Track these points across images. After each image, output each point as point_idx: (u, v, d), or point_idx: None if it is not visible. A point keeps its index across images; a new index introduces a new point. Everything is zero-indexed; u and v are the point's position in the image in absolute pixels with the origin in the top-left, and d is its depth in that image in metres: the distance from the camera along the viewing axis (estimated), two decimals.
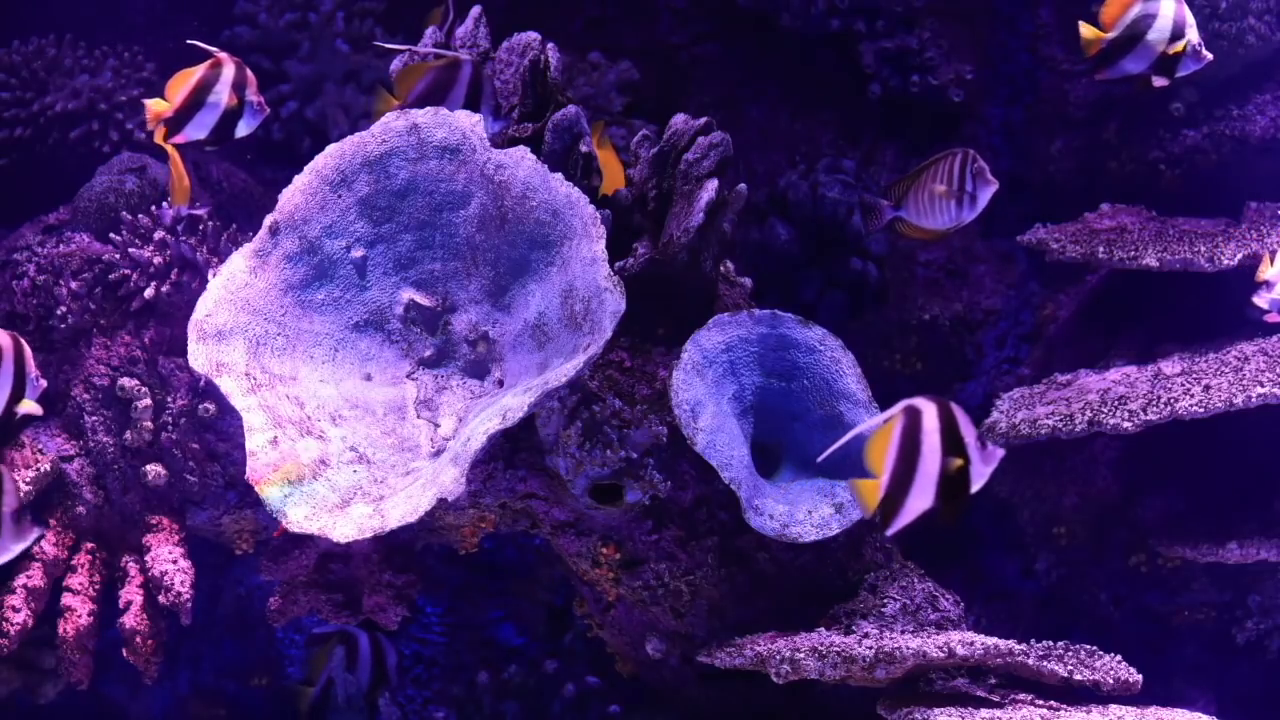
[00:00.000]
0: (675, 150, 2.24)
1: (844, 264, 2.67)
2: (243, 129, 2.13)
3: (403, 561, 2.35)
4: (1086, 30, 2.23)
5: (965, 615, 2.27)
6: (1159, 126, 2.76)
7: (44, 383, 2.09)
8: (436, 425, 2.18)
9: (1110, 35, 2.22)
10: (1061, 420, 2.34)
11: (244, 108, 2.11)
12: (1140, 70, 2.23)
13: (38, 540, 1.56)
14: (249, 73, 2.12)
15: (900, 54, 2.80)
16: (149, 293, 2.44)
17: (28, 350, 2.00)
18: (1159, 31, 2.20)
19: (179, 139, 2.10)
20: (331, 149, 2.24)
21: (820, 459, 1.81)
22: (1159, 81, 2.24)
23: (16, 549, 1.59)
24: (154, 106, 2.10)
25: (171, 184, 2.35)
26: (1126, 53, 2.21)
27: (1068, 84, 2.83)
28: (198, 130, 2.10)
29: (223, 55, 2.08)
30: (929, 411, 1.69)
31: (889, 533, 1.72)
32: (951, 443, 1.69)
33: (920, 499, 1.70)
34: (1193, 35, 2.22)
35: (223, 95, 2.08)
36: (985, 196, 2.19)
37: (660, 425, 2.14)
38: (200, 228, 2.51)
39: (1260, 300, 2.21)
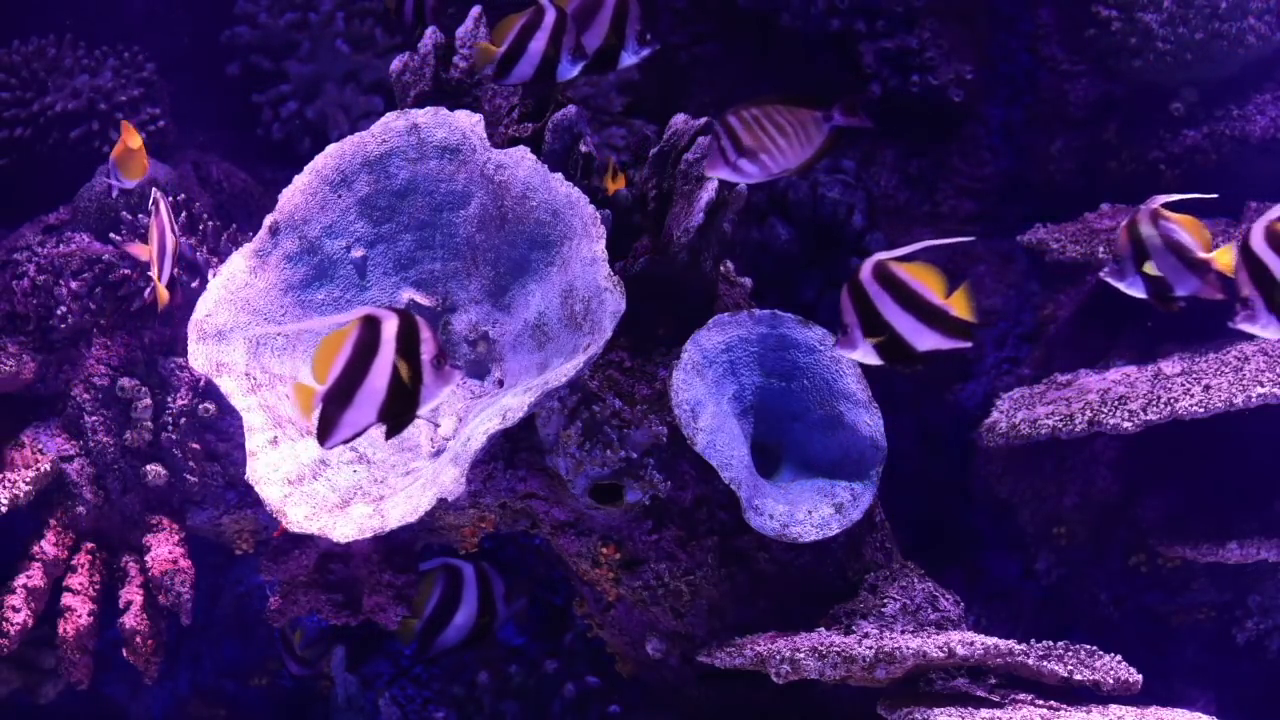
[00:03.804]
0: (675, 150, 2.24)
1: (844, 264, 2.66)
2: (562, 73, 2.14)
3: (403, 561, 2.35)
4: None
5: (965, 615, 2.27)
6: (1159, 126, 2.76)
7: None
8: (436, 425, 2.18)
9: None
10: (1061, 420, 2.34)
11: (560, 55, 2.12)
12: None
13: (451, 385, 1.66)
14: (568, 20, 2.13)
15: (900, 54, 2.80)
16: (149, 293, 2.44)
17: None
18: None
19: (508, 81, 2.13)
20: (331, 149, 2.24)
21: None
22: None
23: (443, 394, 1.66)
24: (484, 51, 2.12)
25: (124, 157, 2.35)
26: None
27: (1068, 84, 2.83)
28: (522, 73, 2.12)
29: (544, 2, 2.10)
30: None
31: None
32: None
33: None
34: None
35: (541, 42, 2.10)
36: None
37: (660, 425, 2.14)
38: (200, 228, 2.51)
39: (1248, 326, 1.88)
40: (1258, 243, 1.72)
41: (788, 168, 1.89)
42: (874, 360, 1.84)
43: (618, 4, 2.05)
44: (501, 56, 2.08)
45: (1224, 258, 1.88)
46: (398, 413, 1.67)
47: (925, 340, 1.80)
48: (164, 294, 2.27)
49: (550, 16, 2.08)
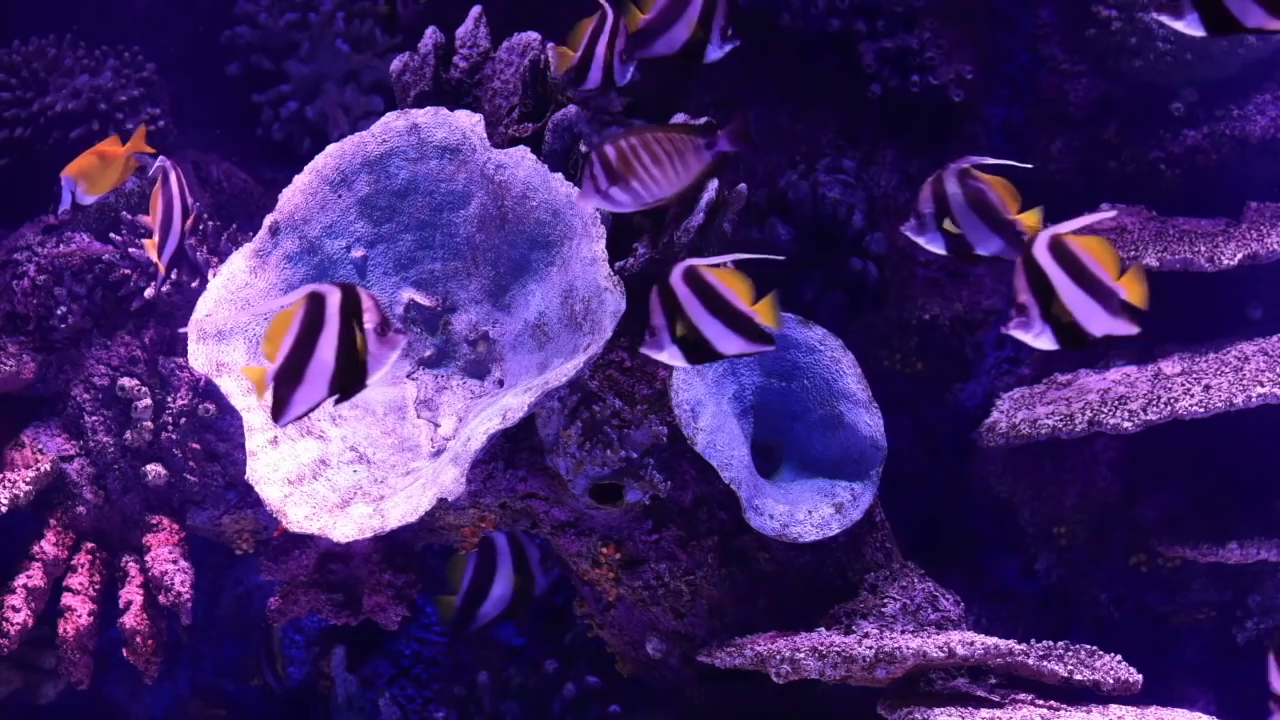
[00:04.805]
0: None
1: (844, 264, 2.66)
2: (618, 78, 2.16)
3: (403, 561, 2.35)
4: None
5: (965, 615, 2.27)
6: (1159, 126, 2.76)
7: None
8: (436, 425, 2.18)
9: None
10: (1062, 420, 2.34)
11: (615, 59, 2.14)
12: None
13: (398, 351, 1.68)
14: (623, 24, 2.14)
15: (900, 54, 2.80)
16: (149, 293, 2.44)
17: None
18: None
19: (586, 88, 2.14)
20: (332, 149, 2.24)
21: None
22: None
23: (390, 360, 1.72)
24: (563, 57, 2.13)
25: (90, 168, 2.28)
26: None
27: (1068, 84, 2.83)
28: (594, 79, 2.14)
29: (605, 4, 2.11)
30: None
31: None
32: None
33: None
34: None
35: (603, 47, 2.12)
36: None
37: (660, 425, 2.14)
38: (200, 228, 2.51)
39: (1020, 334, 1.79)
40: (1040, 251, 1.71)
41: (662, 196, 1.91)
42: (680, 362, 1.85)
43: (613, 26, 2.06)
44: (577, 64, 2.10)
45: (1030, 219, 1.88)
46: (347, 384, 1.69)
47: (729, 344, 1.82)
48: (155, 255, 2.19)
49: (609, 22, 2.10)
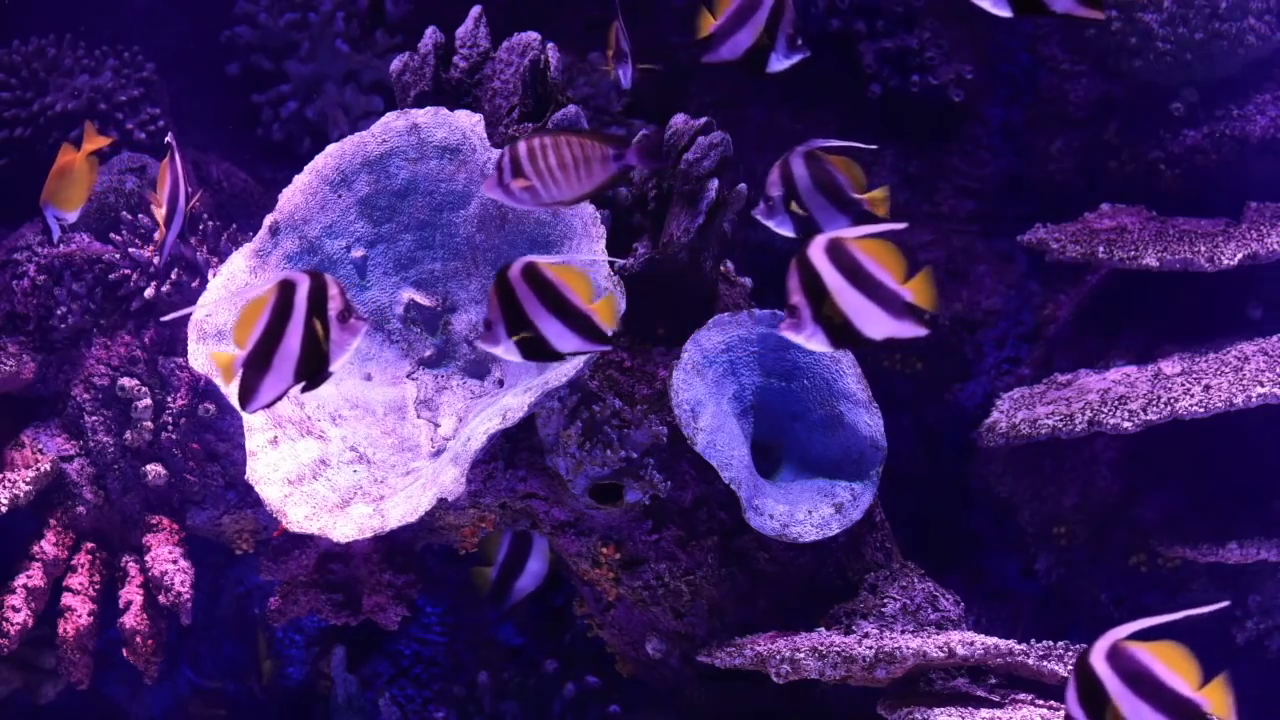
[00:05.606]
0: (675, 150, 2.24)
1: None
2: (623, 82, 2.24)
3: (403, 561, 2.35)
4: None
5: (965, 615, 2.27)
6: (1159, 126, 2.76)
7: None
8: (436, 425, 2.18)
9: None
10: (1062, 420, 2.34)
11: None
12: None
13: (359, 337, 1.70)
14: (623, 28, 2.22)
15: (900, 54, 2.80)
16: (149, 293, 2.44)
17: None
18: None
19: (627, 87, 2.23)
20: (332, 149, 2.25)
21: None
22: None
23: (352, 346, 1.74)
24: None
25: (61, 182, 2.26)
26: None
27: (1068, 84, 2.83)
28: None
29: (618, 8, 2.15)
30: None
31: None
32: None
33: None
34: None
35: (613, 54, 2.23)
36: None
37: (660, 425, 2.14)
38: (200, 227, 2.51)
39: (792, 335, 1.79)
40: (815, 252, 1.71)
41: (561, 198, 1.92)
42: (515, 357, 1.85)
43: (774, 5, 2.05)
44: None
45: (877, 198, 1.88)
46: (311, 371, 1.71)
47: (566, 342, 1.81)
48: (161, 234, 2.20)
49: (617, 32, 2.12)
